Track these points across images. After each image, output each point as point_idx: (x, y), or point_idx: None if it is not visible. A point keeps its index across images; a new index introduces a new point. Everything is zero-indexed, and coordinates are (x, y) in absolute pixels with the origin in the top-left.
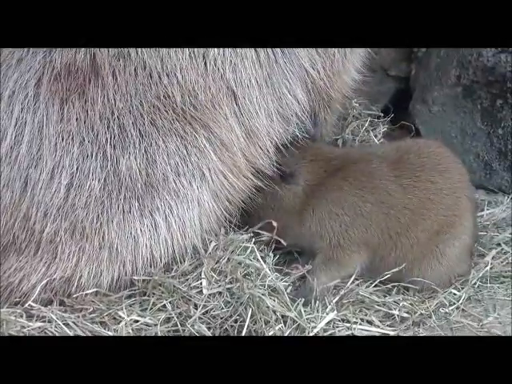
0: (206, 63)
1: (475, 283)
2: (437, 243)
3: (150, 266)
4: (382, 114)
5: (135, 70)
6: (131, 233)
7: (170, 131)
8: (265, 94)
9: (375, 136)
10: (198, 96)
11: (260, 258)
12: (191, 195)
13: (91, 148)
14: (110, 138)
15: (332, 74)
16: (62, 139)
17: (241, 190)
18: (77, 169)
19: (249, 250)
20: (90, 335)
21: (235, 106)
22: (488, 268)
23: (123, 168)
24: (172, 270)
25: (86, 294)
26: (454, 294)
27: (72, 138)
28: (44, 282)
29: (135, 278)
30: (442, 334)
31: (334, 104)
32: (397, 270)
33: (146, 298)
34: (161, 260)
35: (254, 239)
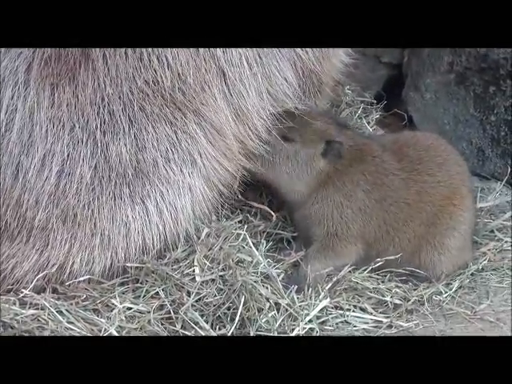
0: None
1: (471, 272)
2: (434, 235)
3: (143, 253)
4: (375, 101)
5: (125, 52)
6: (123, 219)
7: (160, 117)
8: (255, 73)
9: (368, 123)
10: (187, 79)
11: (252, 246)
12: (182, 181)
13: (82, 134)
14: (100, 124)
15: (322, 57)
16: (53, 125)
17: (234, 172)
18: (67, 155)
19: (241, 237)
20: (83, 325)
21: (224, 86)
22: (486, 260)
23: (113, 154)
24: (165, 257)
25: (79, 282)
26: (449, 284)
27: (63, 125)
28: (40, 272)
29: (128, 265)
30: (435, 322)
31: (325, 88)
32: (392, 258)
33: (139, 285)
34: (153, 247)
35: (246, 226)
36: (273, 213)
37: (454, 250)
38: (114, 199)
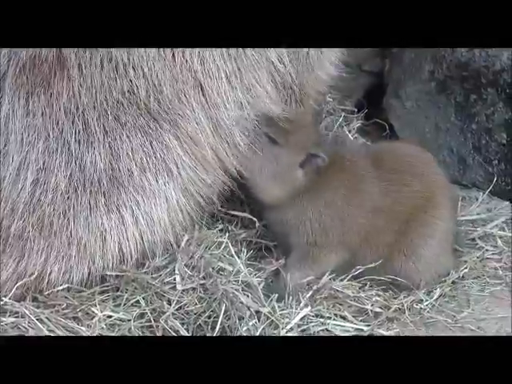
0: (173, 55)
1: (451, 280)
2: (406, 244)
3: (121, 262)
4: (356, 110)
5: (101, 62)
6: (99, 228)
7: (135, 127)
8: (233, 85)
9: (349, 131)
10: (164, 90)
11: (234, 254)
12: (158, 191)
13: (56, 143)
14: (75, 133)
15: (303, 69)
16: (28, 134)
17: (213, 184)
18: (43, 164)
19: (223, 246)
20: (64, 333)
21: (202, 98)
22: (467, 269)
23: (88, 163)
24: (144, 265)
25: (59, 290)
26: (430, 292)
27: (38, 133)
28: (18, 281)
29: (108, 273)
30: (416, 330)
31: (307, 100)
32: (371, 265)
33: (119, 293)
34: (131, 256)
35: (227, 234)
36: (255, 219)
37: (430, 258)
38: (90, 208)
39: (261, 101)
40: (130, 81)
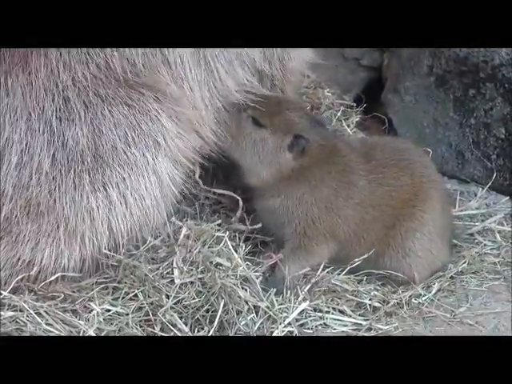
0: None
1: (450, 275)
2: (395, 237)
3: (112, 241)
4: (355, 104)
5: None
6: (86, 208)
7: (115, 100)
8: (196, 61)
9: (348, 126)
10: (137, 65)
11: (231, 248)
12: (145, 166)
13: (38, 123)
14: (56, 111)
15: (278, 59)
16: (10, 115)
17: (199, 147)
18: (26, 145)
19: (222, 242)
20: (62, 327)
21: (169, 70)
22: (465, 263)
23: (70, 141)
24: (139, 248)
25: (55, 280)
26: (429, 287)
27: (20, 113)
28: (11, 269)
29: (106, 252)
30: (414, 325)
31: (289, 85)
32: (364, 256)
33: (116, 284)
34: (121, 236)
35: (228, 233)
36: (238, 197)
37: (420, 252)
38: (75, 187)
39: (229, 85)
40: (105, 54)
